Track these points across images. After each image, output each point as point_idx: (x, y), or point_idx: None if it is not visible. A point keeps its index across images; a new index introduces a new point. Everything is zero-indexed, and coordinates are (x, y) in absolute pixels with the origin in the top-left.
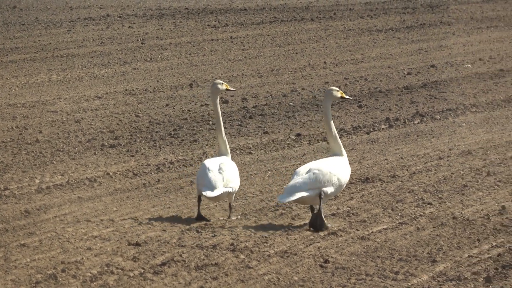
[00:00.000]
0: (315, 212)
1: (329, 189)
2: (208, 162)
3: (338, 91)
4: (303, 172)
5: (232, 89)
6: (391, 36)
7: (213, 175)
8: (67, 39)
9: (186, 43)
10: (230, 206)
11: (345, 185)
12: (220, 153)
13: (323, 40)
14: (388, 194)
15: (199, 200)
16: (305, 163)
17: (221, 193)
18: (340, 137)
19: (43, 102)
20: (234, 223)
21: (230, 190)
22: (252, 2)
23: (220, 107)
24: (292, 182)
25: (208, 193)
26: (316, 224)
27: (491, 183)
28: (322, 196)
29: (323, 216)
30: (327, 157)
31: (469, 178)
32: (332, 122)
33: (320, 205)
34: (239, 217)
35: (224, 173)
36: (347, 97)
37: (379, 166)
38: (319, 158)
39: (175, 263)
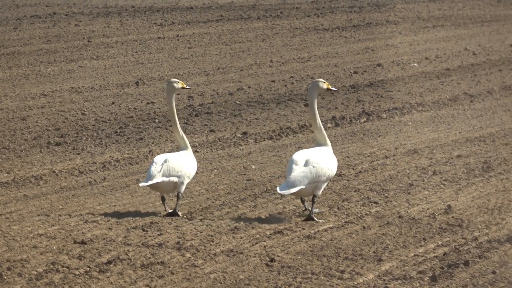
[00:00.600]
0: (305, 203)
1: (324, 184)
2: (156, 158)
3: (324, 82)
4: (300, 162)
5: (187, 87)
6: (338, 35)
7: (153, 167)
8: (13, 37)
9: (133, 41)
10: (178, 196)
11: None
12: (180, 149)
13: (270, 39)
14: (334, 193)
15: (163, 198)
16: (251, 162)
17: (157, 182)
18: (286, 136)
19: None
20: (180, 222)
21: (174, 179)
22: (199, 1)
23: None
24: (294, 175)
25: (142, 183)
26: (310, 217)
27: (437, 182)
28: (318, 187)
29: (313, 212)
30: (311, 147)
31: (415, 177)
32: (317, 113)
33: (316, 194)
34: (184, 216)
35: (167, 164)
36: (333, 88)
37: None
38: (265, 156)
39: (120, 261)
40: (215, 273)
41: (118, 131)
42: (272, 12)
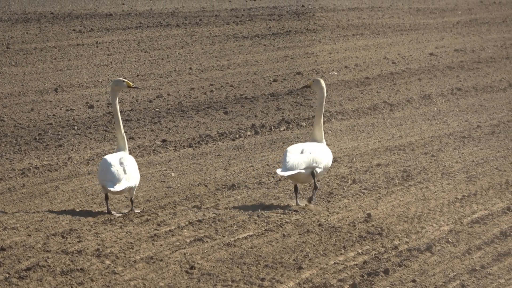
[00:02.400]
0: (297, 191)
1: (319, 170)
2: (109, 157)
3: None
4: (296, 151)
5: (135, 86)
6: (257, 42)
7: (116, 169)
8: None
9: (52, 47)
10: (131, 200)
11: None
12: (118, 149)
13: (189, 46)
14: (254, 201)
15: (107, 197)
16: (171, 169)
17: (125, 188)
18: (205, 144)
19: None
20: (99, 229)
21: (132, 184)
22: (118, 8)
23: (112, 109)
24: (291, 159)
25: (113, 188)
26: (312, 199)
27: (357, 190)
28: (316, 174)
29: (315, 199)
30: (306, 141)
31: (334, 185)
32: (323, 111)
33: (314, 181)
34: (139, 210)
35: (126, 168)
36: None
37: (245, 172)
38: (184, 163)
39: (40, 268)
40: (135, 280)
41: (37, 137)
42: (191, 20)
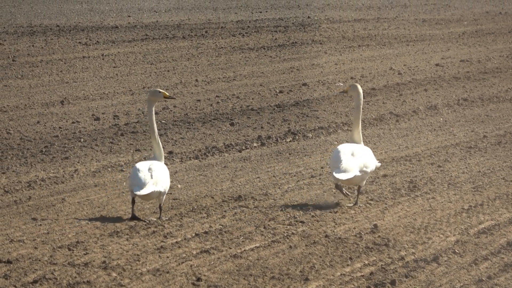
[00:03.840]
0: (343, 191)
1: (368, 175)
2: (139, 164)
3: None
4: (347, 153)
5: (171, 96)
6: (263, 54)
7: (143, 174)
8: None
9: (57, 60)
10: (160, 207)
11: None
12: (154, 157)
13: (195, 58)
14: (260, 212)
15: (133, 202)
16: (177, 181)
17: (151, 192)
18: (212, 155)
19: None
20: (106, 241)
21: (160, 190)
22: (124, 20)
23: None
24: (346, 163)
25: (139, 191)
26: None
27: (363, 201)
28: (363, 181)
29: (359, 202)
30: (347, 142)
31: (341, 196)
32: (361, 115)
33: (359, 190)
34: (166, 218)
35: (153, 173)
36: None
37: (251, 184)
38: (191, 175)
39: (46, 280)
40: None
41: (44, 150)
42: (197, 32)
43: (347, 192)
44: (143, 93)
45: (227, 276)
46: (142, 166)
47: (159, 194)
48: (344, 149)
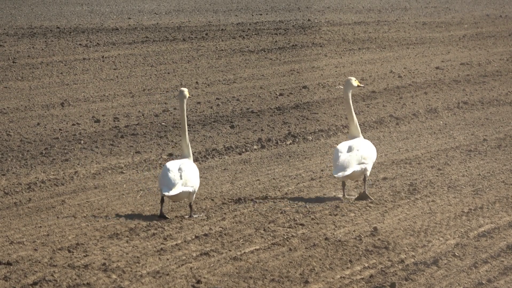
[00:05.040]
0: (345, 186)
1: (369, 166)
2: (169, 164)
3: (355, 80)
4: (344, 150)
5: (188, 95)
6: (263, 57)
7: (173, 175)
8: None
9: (58, 62)
10: (190, 206)
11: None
12: (182, 156)
13: (195, 60)
14: (260, 215)
15: (162, 201)
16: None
17: (180, 192)
18: (212, 158)
19: None
20: (106, 243)
21: (190, 189)
22: (124, 22)
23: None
24: (342, 159)
25: (167, 192)
26: (364, 194)
27: (363, 204)
28: (367, 171)
29: (367, 191)
30: (347, 139)
31: (341, 199)
32: (352, 108)
33: (365, 178)
34: (201, 214)
35: (183, 173)
36: (362, 85)
37: (251, 186)
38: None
39: (46, 282)
40: None
41: (44, 152)
42: (197, 34)
43: (346, 196)
44: (143, 95)
45: (227, 278)
46: (172, 166)
47: (189, 194)
48: (341, 147)
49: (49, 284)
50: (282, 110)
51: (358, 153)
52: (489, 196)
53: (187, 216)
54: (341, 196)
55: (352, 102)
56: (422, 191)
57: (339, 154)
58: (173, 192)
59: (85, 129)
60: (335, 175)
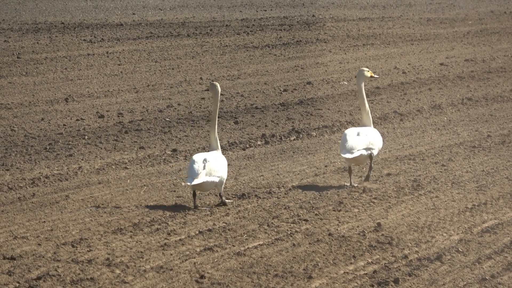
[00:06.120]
0: (351, 173)
1: (375, 151)
2: (196, 156)
3: (368, 71)
4: (353, 134)
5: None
6: (268, 52)
7: (197, 166)
8: None
9: (62, 57)
10: (220, 195)
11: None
12: (211, 149)
13: (200, 56)
14: (264, 210)
15: (194, 194)
16: (181, 179)
17: (203, 182)
18: None
19: None
20: (109, 238)
21: (215, 179)
22: (128, 18)
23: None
24: (350, 142)
25: (191, 182)
26: (368, 178)
27: (367, 200)
28: (373, 155)
29: (371, 176)
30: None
31: (344, 195)
32: (365, 98)
33: (371, 162)
34: (231, 200)
35: (207, 164)
36: (376, 76)
37: (255, 182)
38: None
39: (50, 277)
40: None
41: (48, 147)
42: (202, 30)
43: (353, 184)
44: (147, 91)
45: (230, 273)
46: (198, 158)
47: (215, 184)
48: (350, 131)
49: (52, 278)
50: (286, 106)
51: (366, 139)
52: (493, 192)
53: (217, 203)
54: (348, 184)
55: (356, 97)
56: (426, 187)
57: (348, 137)
58: (195, 181)
59: (89, 125)
60: (342, 155)
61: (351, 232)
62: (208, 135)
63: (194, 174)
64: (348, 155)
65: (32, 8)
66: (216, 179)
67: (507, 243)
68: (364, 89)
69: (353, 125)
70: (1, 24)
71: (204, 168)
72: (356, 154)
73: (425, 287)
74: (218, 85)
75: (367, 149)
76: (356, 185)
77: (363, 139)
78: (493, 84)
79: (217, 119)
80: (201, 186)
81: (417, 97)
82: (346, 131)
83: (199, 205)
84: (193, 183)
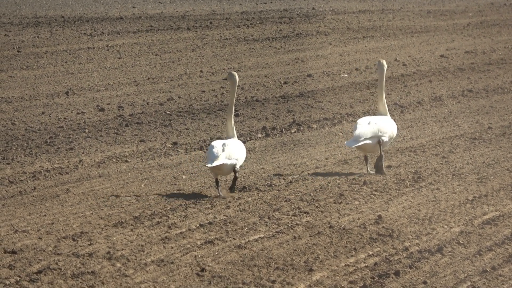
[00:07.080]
0: (368, 161)
1: (385, 138)
2: (214, 142)
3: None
4: (364, 123)
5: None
6: (268, 45)
7: (216, 149)
8: None
9: (62, 51)
10: (235, 179)
11: (393, 139)
12: (227, 136)
13: (200, 49)
14: (264, 203)
15: (217, 182)
16: (182, 172)
17: (222, 164)
18: None
19: None
20: (110, 232)
21: (234, 162)
22: (128, 11)
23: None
24: (358, 131)
25: (210, 164)
26: (378, 167)
27: (368, 192)
28: (382, 143)
29: (383, 161)
30: (374, 115)
31: (345, 187)
32: (384, 89)
33: (380, 151)
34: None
35: (226, 147)
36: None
37: (255, 175)
38: (195, 166)
39: (51, 271)
40: (146, 282)
41: (48, 141)
42: (202, 23)
43: (370, 171)
44: (147, 84)
45: (231, 266)
46: (216, 143)
47: (233, 166)
48: (362, 121)
49: (53, 272)
50: (286, 98)
51: (375, 126)
52: (493, 183)
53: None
54: (364, 170)
55: (357, 90)
56: (426, 179)
57: (358, 126)
58: (215, 163)
59: (90, 118)
60: (346, 145)
61: (352, 224)
62: (225, 123)
63: (214, 157)
64: (351, 144)
65: (32, 2)
66: (234, 161)
67: (508, 235)
68: (364, 82)
69: (353, 117)
70: (1, 18)
71: (223, 150)
72: (359, 143)
73: (426, 279)
74: (236, 75)
75: (374, 137)
76: (372, 172)
77: (371, 127)
78: (493, 76)
79: (233, 108)
80: (220, 168)
81: (418, 89)
82: (358, 120)
83: (221, 194)
84: (213, 164)
